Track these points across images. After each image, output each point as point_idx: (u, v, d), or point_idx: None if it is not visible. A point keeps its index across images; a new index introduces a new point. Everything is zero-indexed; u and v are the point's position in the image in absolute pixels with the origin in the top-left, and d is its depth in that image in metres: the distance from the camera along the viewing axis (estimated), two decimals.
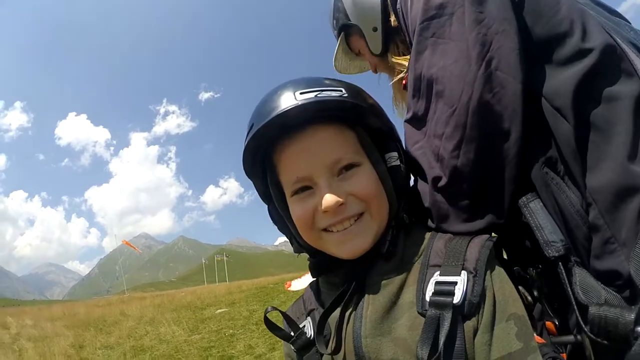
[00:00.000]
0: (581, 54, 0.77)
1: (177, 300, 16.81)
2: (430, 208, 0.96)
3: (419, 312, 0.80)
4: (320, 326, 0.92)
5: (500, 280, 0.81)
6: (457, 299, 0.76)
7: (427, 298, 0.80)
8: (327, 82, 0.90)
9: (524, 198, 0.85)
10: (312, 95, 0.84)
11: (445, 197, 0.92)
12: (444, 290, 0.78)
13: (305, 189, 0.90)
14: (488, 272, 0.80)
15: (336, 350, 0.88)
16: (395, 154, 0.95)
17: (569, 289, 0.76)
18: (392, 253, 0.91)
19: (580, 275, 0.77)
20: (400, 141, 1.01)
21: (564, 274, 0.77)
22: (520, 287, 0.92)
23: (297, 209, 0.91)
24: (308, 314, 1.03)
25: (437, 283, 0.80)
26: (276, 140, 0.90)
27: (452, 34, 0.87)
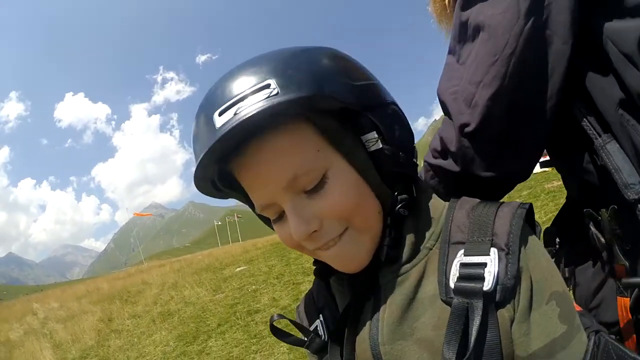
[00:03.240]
0: None
1: (196, 264, 17.22)
2: (455, 152, 0.93)
3: (442, 300, 0.70)
4: (333, 336, 0.82)
5: (535, 256, 0.70)
6: (487, 284, 0.65)
7: (452, 284, 0.68)
8: (252, 77, 0.65)
9: (600, 140, 0.82)
10: (231, 113, 0.63)
11: (471, 143, 0.89)
12: (472, 274, 0.67)
13: (279, 213, 0.75)
14: (522, 247, 0.69)
15: None
16: (373, 134, 0.73)
17: None
18: (395, 257, 0.77)
19: None
20: (385, 105, 0.77)
21: None
22: (592, 228, 0.89)
23: (279, 232, 0.78)
24: (320, 312, 0.91)
25: (463, 265, 0.69)
26: (226, 162, 0.73)
27: None
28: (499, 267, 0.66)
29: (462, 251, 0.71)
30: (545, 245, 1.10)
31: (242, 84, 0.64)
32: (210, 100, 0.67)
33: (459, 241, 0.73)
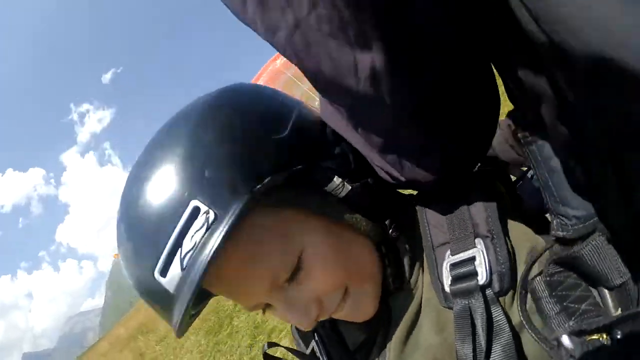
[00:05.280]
0: None
1: None
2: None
3: (443, 307, 0.65)
4: None
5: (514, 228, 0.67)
6: (482, 278, 0.61)
7: (447, 288, 0.64)
8: (170, 204, 0.53)
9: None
10: (177, 269, 0.52)
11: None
12: (463, 273, 0.63)
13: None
14: (506, 223, 0.66)
15: None
16: (336, 182, 0.63)
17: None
18: (402, 281, 0.72)
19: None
20: (323, 132, 0.67)
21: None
22: None
23: (282, 318, 0.70)
24: (314, 330, 0.80)
25: (453, 266, 0.65)
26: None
27: None
28: (488, 255, 0.62)
29: (448, 252, 0.66)
30: None
31: (163, 220, 0.53)
32: (133, 252, 0.57)
33: (443, 242, 0.67)
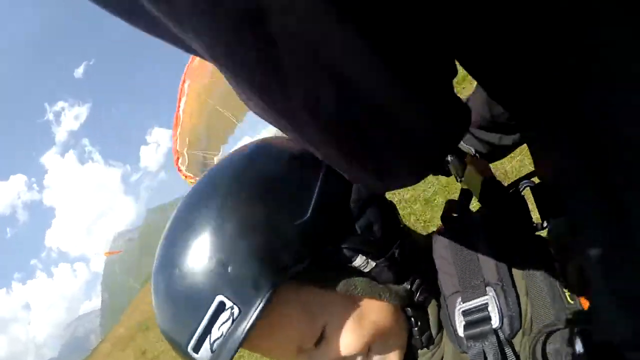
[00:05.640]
0: None
1: None
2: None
3: (459, 352, 0.69)
4: None
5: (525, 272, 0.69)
6: (495, 322, 0.64)
7: (461, 333, 0.67)
8: (197, 301, 0.57)
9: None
10: (207, 350, 0.56)
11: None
12: (477, 319, 0.66)
13: None
14: (513, 270, 0.68)
15: None
16: (360, 260, 0.65)
17: None
18: (430, 338, 0.73)
19: None
20: (345, 207, 0.65)
21: None
22: None
23: None
24: None
25: (465, 313, 0.67)
26: None
27: None
28: (499, 302, 0.65)
29: (459, 299, 0.68)
30: None
31: (193, 309, 0.57)
32: (168, 324, 0.62)
33: (454, 291, 0.70)
